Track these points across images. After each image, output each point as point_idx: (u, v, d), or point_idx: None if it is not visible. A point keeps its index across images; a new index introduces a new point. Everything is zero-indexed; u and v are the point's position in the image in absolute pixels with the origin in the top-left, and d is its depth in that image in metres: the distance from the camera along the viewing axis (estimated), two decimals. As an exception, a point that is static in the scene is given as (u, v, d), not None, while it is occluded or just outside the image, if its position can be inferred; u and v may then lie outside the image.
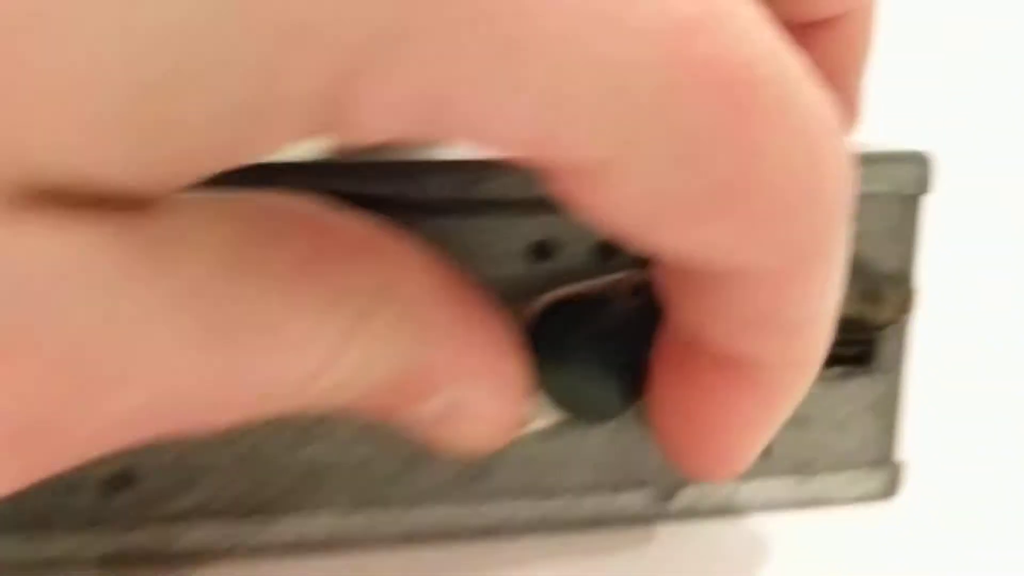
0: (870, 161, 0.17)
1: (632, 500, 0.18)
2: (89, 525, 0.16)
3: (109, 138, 0.08)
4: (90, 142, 0.08)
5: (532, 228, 0.16)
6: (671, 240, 0.11)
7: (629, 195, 0.10)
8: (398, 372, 0.12)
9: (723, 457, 0.15)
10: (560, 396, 0.16)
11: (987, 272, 0.30)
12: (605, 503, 0.18)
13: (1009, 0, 0.40)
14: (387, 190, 0.15)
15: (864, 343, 0.18)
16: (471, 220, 0.16)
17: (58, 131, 0.08)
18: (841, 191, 0.11)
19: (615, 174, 0.10)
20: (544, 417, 0.16)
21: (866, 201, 0.17)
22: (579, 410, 0.16)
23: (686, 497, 0.18)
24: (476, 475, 0.17)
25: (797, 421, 0.18)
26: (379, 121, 0.10)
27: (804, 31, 0.15)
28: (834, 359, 0.16)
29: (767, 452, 0.18)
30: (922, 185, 0.18)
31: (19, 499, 0.16)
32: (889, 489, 0.19)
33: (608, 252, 0.16)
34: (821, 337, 0.13)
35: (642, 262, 0.16)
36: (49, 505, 0.16)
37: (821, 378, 0.14)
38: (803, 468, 0.18)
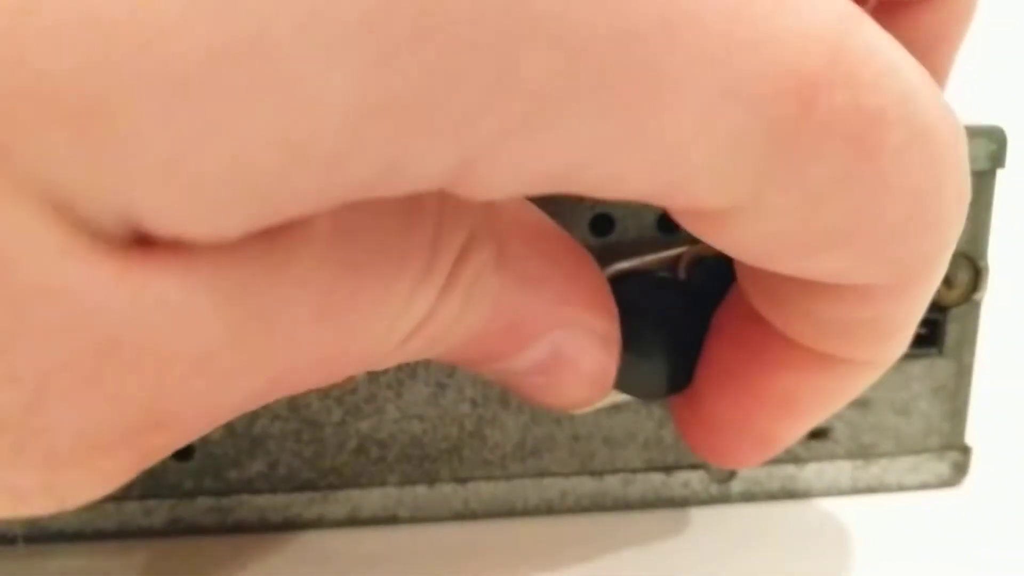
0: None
1: (687, 482, 0.18)
2: (147, 496, 0.17)
3: (218, 211, 0.08)
4: (197, 213, 0.08)
5: (593, 202, 0.16)
6: (791, 267, 0.11)
7: (753, 234, 0.10)
8: (499, 317, 0.12)
9: (761, 441, 0.14)
10: (619, 372, 0.15)
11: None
12: (659, 484, 0.18)
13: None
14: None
15: (931, 324, 0.17)
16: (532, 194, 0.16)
17: (168, 199, 0.08)
18: (962, 207, 0.11)
19: (740, 218, 0.10)
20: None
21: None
22: (635, 388, 0.16)
23: (742, 481, 0.18)
24: (528, 453, 0.17)
25: (858, 403, 0.18)
26: (502, 190, 0.09)
27: (905, 8, 0.14)
28: (900, 340, 0.16)
29: (825, 435, 0.18)
30: (995, 160, 0.17)
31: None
32: (955, 476, 0.18)
33: (668, 226, 0.16)
34: (909, 337, 0.13)
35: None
36: (108, 475, 0.16)
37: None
38: (864, 452, 0.18)
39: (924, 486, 0.18)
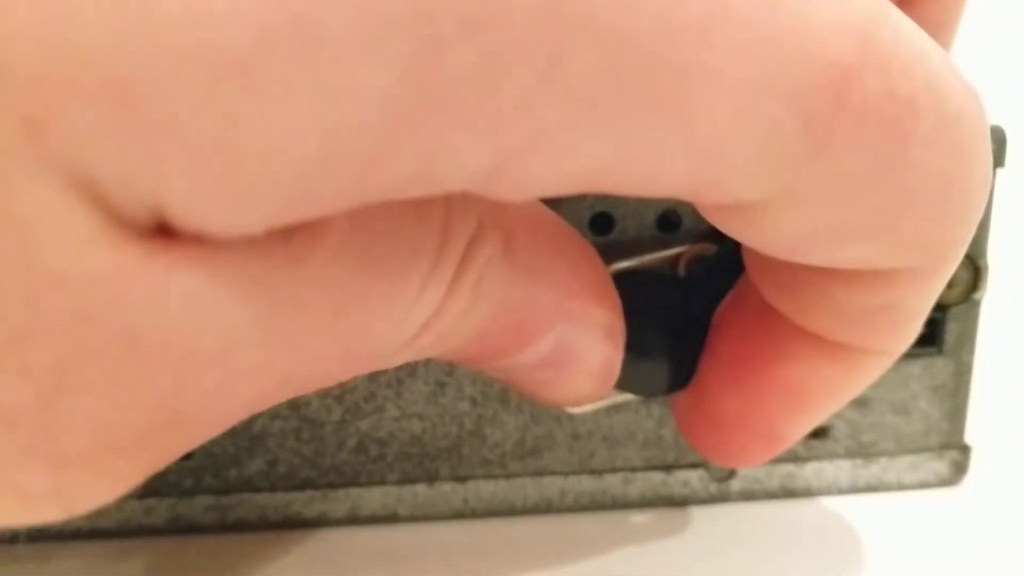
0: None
1: (686, 481, 0.18)
2: (147, 494, 0.17)
3: (249, 202, 0.08)
4: (227, 203, 0.08)
5: (593, 201, 0.16)
6: (821, 258, 0.11)
7: (786, 227, 0.10)
8: (505, 312, 0.12)
9: (766, 437, 0.14)
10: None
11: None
12: (658, 483, 0.18)
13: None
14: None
15: (930, 323, 0.17)
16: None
17: (200, 186, 0.08)
18: (986, 190, 0.11)
19: (773, 211, 0.10)
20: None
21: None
22: (635, 386, 0.16)
23: (742, 480, 0.18)
24: (528, 452, 0.17)
25: (857, 402, 0.18)
26: (535, 190, 0.09)
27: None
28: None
29: (825, 434, 0.18)
30: (995, 160, 0.17)
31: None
32: (954, 475, 0.18)
33: (667, 225, 0.16)
34: (919, 327, 0.13)
35: (701, 236, 0.16)
36: (108, 473, 0.16)
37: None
38: (863, 451, 0.18)
39: (923, 485, 0.18)
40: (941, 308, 0.17)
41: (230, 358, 0.09)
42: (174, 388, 0.09)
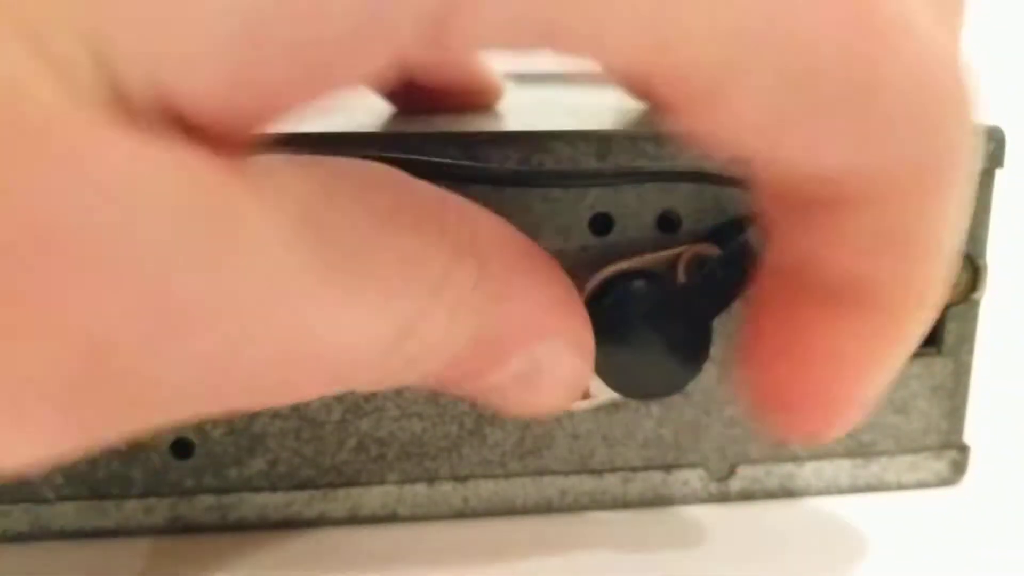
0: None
1: (686, 480, 0.18)
2: (148, 494, 0.17)
3: (228, 57, 0.09)
4: (214, 60, 0.09)
5: (592, 201, 0.16)
6: (792, 159, 0.11)
7: (746, 113, 0.10)
8: (482, 333, 0.12)
9: (833, 406, 0.14)
10: (615, 372, 0.15)
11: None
12: (658, 482, 0.18)
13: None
14: (449, 161, 0.15)
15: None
16: (532, 192, 0.16)
17: (190, 48, 0.09)
18: (962, 120, 0.11)
19: (730, 90, 0.10)
20: (599, 394, 0.16)
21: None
22: (632, 387, 0.16)
23: (741, 479, 0.18)
24: (528, 452, 0.17)
25: (857, 402, 0.18)
26: (482, 40, 0.09)
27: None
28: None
29: (825, 434, 0.18)
30: (994, 160, 0.17)
31: (82, 467, 0.16)
32: (953, 475, 0.18)
33: (667, 226, 0.16)
34: (940, 272, 0.13)
35: (700, 236, 0.16)
36: (111, 474, 0.16)
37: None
38: (862, 451, 0.18)
39: (922, 484, 0.18)
40: (942, 308, 0.17)
41: (172, 287, 0.09)
42: (117, 315, 0.08)
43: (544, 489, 0.17)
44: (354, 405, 0.17)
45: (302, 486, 0.17)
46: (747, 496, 0.18)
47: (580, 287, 0.15)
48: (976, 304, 0.18)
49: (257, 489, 0.17)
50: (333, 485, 0.17)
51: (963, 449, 0.18)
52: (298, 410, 0.17)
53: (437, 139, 0.15)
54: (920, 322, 0.13)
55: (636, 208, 0.16)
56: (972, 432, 0.18)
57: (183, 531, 0.17)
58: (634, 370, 0.15)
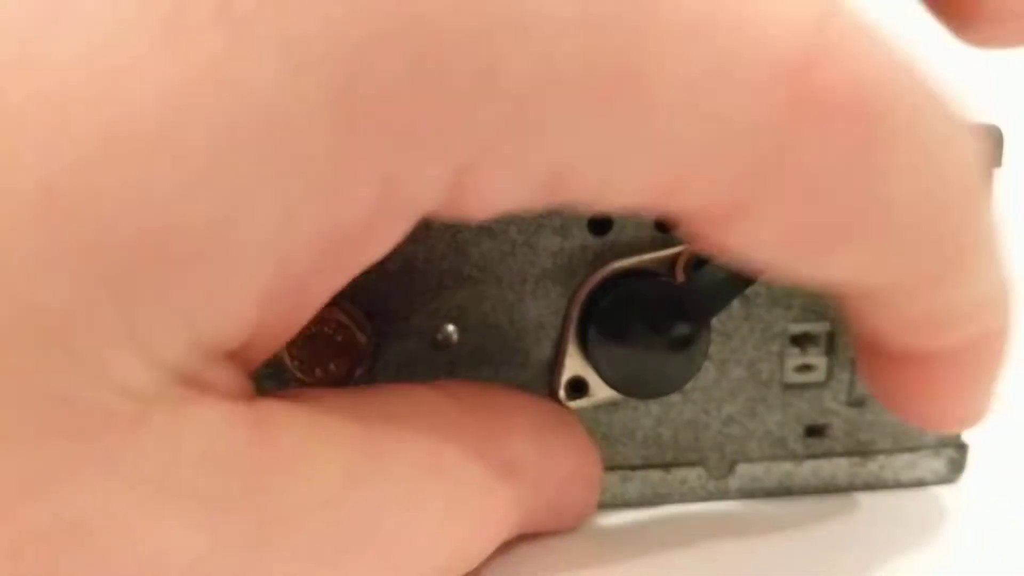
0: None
1: (684, 478, 0.18)
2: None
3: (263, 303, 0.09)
4: (251, 300, 0.09)
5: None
6: (809, 269, 0.11)
7: (762, 233, 0.10)
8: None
9: (950, 417, 0.15)
10: (614, 371, 0.15)
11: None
12: (657, 481, 0.18)
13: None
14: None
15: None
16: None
17: (229, 302, 0.09)
18: (973, 190, 0.11)
19: (745, 216, 0.10)
20: (598, 392, 0.16)
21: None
22: (631, 387, 0.16)
23: (740, 477, 0.18)
24: (528, 450, 0.17)
25: (855, 400, 0.18)
26: (498, 202, 0.10)
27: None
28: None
29: (823, 432, 0.18)
30: (992, 159, 0.17)
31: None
32: (951, 473, 0.18)
33: (666, 226, 0.16)
34: (1001, 304, 0.13)
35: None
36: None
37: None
38: (861, 449, 0.18)
39: (921, 483, 0.18)
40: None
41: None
42: None
43: (543, 487, 0.17)
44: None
45: None
46: (746, 494, 0.18)
47: (579, 287, 0.15)
48: (974, 303, 0.18)
49: None
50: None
51: (961, 447, 0.18)
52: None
53: None
54: (1004, 344, 0.13)
55: (635, 208, 0.16)
56: (971, 430, 0.18)
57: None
58: (633, 369, 0.15)
